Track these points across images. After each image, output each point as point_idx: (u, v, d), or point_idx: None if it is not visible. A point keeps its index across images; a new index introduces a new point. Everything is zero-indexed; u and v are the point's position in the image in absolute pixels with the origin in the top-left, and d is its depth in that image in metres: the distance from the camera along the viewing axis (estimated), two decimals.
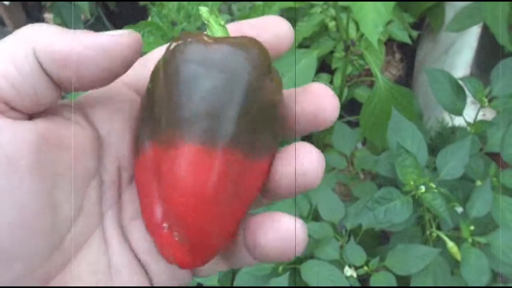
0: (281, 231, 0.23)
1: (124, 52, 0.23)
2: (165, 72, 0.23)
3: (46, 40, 0.22)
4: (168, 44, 0.24)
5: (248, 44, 0.23)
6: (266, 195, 0.26)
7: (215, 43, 0.23)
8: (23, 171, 0.21)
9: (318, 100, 0.24)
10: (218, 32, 0.25)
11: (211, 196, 0.22)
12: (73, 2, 1.41)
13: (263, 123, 0.23)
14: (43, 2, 1.55)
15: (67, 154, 0.24)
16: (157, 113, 0.23)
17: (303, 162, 0.24)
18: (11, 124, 0.22)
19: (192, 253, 0.23)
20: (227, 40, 0.23)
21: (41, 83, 0.22)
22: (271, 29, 0.26)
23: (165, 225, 0.23)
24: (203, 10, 0.26)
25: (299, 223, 0.23)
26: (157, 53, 0.27)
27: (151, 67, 0.25)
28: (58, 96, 0.24)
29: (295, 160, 0.24)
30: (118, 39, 0.23)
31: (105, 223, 0.26)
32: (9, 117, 0.22)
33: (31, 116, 0.23)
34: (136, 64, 0.26)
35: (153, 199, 0.24)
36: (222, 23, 0.26)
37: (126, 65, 0.24)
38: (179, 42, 0.23)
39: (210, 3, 0.86)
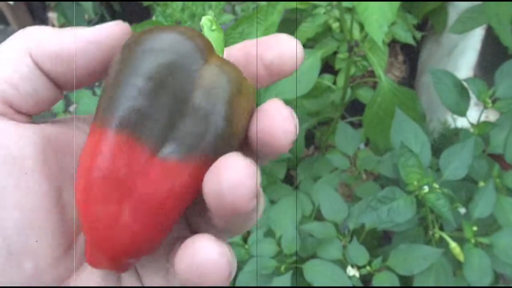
0: (195, 257, 0.20)
1: (115, 41, 0.23)
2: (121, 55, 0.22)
3: (39, 39, 0.23)
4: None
5: (188, 32, 0.22)
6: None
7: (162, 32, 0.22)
8: (29, 171, 0.22)
9: (273, 121, 0.21)
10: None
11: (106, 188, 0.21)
12: (77, 2, 1.42)
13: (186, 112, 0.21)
14: (47, 2, 1.55)
15: (71, 157, 0.24)
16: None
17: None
18: (16, 126, 0.22)
19: (95, 251, 0.22)
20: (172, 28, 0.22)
21: (40, 82, 0.23)
22: (276, 48, 0.24)
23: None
24: (204, 21, 0.25)
25: (218, 248, 0.20)
26: None
27: None
28: (59, 95, 0.24)
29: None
30: (108, 29, 0.23)
31: None
32: (14, 119, 0.22)
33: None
34: None
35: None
36: (220, 36, 0.24)
37: (114, 50, 0.24)
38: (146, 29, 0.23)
39: (214, 3, 0.86)
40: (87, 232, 0.21)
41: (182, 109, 0.21)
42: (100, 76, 0.24)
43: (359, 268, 0.71)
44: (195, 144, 0.21)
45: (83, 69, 0.23)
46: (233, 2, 1.11)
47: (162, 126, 0.21)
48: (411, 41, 1.04)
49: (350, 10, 0.83)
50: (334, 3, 0.94)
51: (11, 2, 1.51)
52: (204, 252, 0.20)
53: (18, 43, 0.23)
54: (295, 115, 0.22)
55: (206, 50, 0.22)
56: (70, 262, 0.24)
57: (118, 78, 0.21)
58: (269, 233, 0.76)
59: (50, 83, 0.23)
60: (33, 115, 0.24)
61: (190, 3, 0.85)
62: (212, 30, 0.24)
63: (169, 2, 0.87)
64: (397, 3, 0.61)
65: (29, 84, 0.23)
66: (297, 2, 0.93)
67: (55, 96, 0.24)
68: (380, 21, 0.60)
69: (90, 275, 0.24)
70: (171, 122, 0.21)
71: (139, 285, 0.25)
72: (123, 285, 0.25)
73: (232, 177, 0.19)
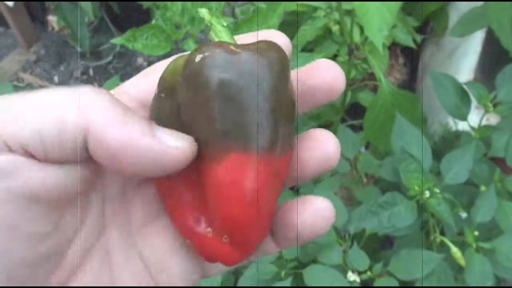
0: (312, 210, 0.25)
1: (173, 165, 0.22)
2: (192, 82, 0.23)
3: (99, 127, 0.21)
4: (190, 53, 0.24)
5: (270, 49, 0.24)
6: (285, 243, 0.27)
7: (240, 51, 0.23)
8: (39, 207, 0.22)
9: (323, 147, 0.26)
10: (222, 34, 0.26)
11: (257, 199, 0.24)
12: (77, 5, 1.41)
13: (286, 120, 0.24)
14: (47, 5, 1.55)
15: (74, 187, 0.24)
16: (187, 124, 0.23)
17: (326, 147, 0.25)
18: (30, 162, 0.21)
19: (240, 251, 0.25)
20: (249, 47, 0.24)
21: (75, 153, 0.22)
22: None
23: (208, 230, 0.25)
24: (203, 12, 0.26)
25: (327, 203, 0.25)
26: (160, 66, 0.27)
27: (155, 79, 0.25)
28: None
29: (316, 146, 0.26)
30: (171, 152, 0.22)
31: (108, 233, 0.27)
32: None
33: None
34: (140, 76, 0.27)
35: (187, 208, 0.25)
36: (225, 24, 0.26)
37: (172, 172, 0.23)
38: (205, 52, 0.23)
39: (214, 5, 0.86)
40: (238, 238, 0.24)
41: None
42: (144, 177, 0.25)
43: (359, 273, 0.70)
44: (290, 139, 0.25)
45: (130, 171, 0.23)
46: (232, 4, 1.11)
47: (280, 133, 0.24)
48: (411, 44, 1.03)
49: (350, 12, 0.83)
50: (334, 6, 0.94)
51: (10, 4, 1.51)
52: (320, 205, 0.25)
53: (81, 116, 0.21)
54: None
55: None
56: (63, 272, 0.24)
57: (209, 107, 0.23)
58: None
59: (88, 156, 0.22)
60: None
61: (189, 6, 0.85)
62: (223, 26, 0.26)
63: (169, 6, 0.86)
64: (397, 7, 0.61)
65: (62, 151, 0.21)
66: (297, 3, 0.93)
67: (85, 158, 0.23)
68: (380, 24, 0.59)
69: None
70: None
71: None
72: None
73: (334, 144, 0.25)
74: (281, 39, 0.27)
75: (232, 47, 0.23)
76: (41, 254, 0.22)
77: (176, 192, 0.25)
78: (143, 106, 0.27)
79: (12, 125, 0.21)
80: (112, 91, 0.26)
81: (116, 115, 0.22)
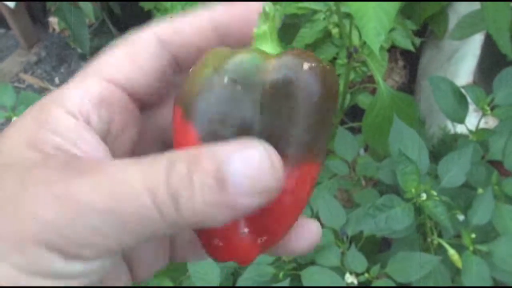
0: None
1: (276, 182, 0.21)
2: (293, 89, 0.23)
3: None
4: (290, 56, 0.23)
5: (323, 69, 0.23)
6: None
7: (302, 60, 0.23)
8: None
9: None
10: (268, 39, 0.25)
11: (298, 205, 0.24)
12: (77, 7, 1.42)
13: (324, 131, 0.24)
14: (48, 6, 1.56)
15: None
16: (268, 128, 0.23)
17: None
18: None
19: (261, 251, 0.25)
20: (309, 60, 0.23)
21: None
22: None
23: (245, 230, 0.24)
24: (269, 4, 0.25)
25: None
26: (144, 47, 0.26)
27: (141, 64, 0.25)
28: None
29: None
30: (268, 170, 0.20)
31: None
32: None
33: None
34: (124, 60, 0.25)
35: None
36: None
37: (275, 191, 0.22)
38: (312, 63, 0.23)
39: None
40: (272, 241, 0.25)
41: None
42: None
43: (357, 275, 0.71)
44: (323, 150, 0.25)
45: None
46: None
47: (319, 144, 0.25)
48: (410, 47, 1.04)
49: (349, 15, 0.83)
50: (334, 9, 0.94)
51: (11, 6, 1.52)
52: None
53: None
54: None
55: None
56: None
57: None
58: None
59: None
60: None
61: (190, 8, 0.85)
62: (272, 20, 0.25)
63: (169, 8, 0.87)
64: (395, 11, 0.61)
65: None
66: (297, 7, 0.93)
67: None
68: (377, 29, 0.60)
69: None
70: None
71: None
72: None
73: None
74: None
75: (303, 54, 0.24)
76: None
77: None
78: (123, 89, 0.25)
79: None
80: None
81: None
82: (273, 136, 0.23)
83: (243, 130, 0.23)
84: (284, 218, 0.24)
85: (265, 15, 0.25)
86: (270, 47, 0.25)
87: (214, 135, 0.22)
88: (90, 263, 0.19)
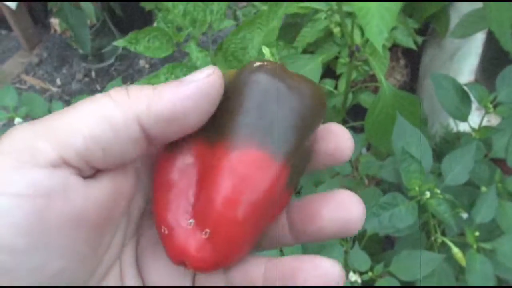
0: (320, 277, 0.24)
1: (217, 90, 0.23)
2: (240, 84, 0.24)
3: (146, 104, 0.22)
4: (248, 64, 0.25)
5: (312, 88, 0.25)
6: (304, 237, 0.26)
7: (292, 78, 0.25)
8: (86, 229, 0.22)
9: (337, 140, 0.26)
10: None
11: (262, 200, 0.23)
12: (79, 8, 1.42)
13: (305, 144, 0.25)
14: (49, 7, 1.56)
15: (119, 206, 0.24)
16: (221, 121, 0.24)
17: (349, 209, 0.24)
18: (83, 184, 0.22)
19: (215, 255, 0.24)
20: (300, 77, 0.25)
21: (134, 146, 0.22)
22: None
23: (190, 221, 0.24)
24: (266, 50, 0.28)
25: (337, 267, 0.24)
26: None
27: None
28: (148, 150, 0.24)
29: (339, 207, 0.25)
30: (210, 80, 0.23)
31: (123, 256, 0.27)
32: (83, 176, 0.22)
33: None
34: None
35: (182, 194, 0.24)
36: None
37: (219, 100, 0.24)
38: (264, 63, 0.24)
39: (215, 8, 0.86)
40: (221, 238, 0.23)
41: None
42: (200, 125, 0.24)
43: (361, 274, 0.71)
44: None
45: (193, 125, 0.23)
46: (233, 7, 1.12)
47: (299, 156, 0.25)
48: (412, 45, 1.04)
49: (350, 14, 0.83)
50: (335, 8, 0.94)
51: (13, 7, 1.52)
52: (355, 209, 0.24)
53: (123, 106, 0.22)
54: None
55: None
56: None
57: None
58: None
59: (147, 144, 0.23)
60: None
61: (191, 8, 0.85)
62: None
63: (171, 8, 0.87)
64: (397, 9, 0.61)
65: (120, 148, 0.22)
66: (298, 6, 0.93)
67: (145, 151, 0.24)
68: (380, 26, 0.60)
69: None
70: None
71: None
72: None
73: (358, 210, 0.24)
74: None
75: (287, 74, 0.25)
76: (77, 277, 0.22)
77: (176, 181, 0.25)
78: None
79: (65, 137, 0.21)
80: None
81: (152, 89, 0.22)
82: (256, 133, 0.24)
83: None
84: (229, 213, 0.23)
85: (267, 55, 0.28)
86: None
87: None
88: None
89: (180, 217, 0.24)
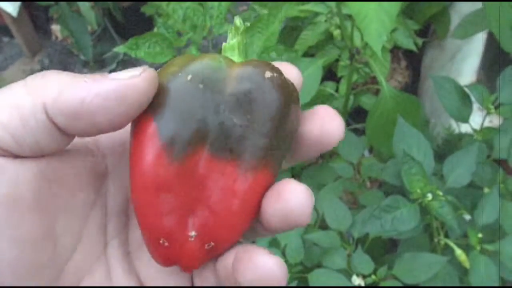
0: (258, 269, 0.22)
1: (138, 94, 0.22)
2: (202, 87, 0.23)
3: (58, 94, 0.21)
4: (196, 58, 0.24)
5: (283, 80, 0.24)
6: (259, 231, 0.26)
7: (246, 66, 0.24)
8: (22, 209, 0.21)
9: (324, 122, 0.24)
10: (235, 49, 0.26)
11: (247, 211, 0.24)
12: (80, 14, 1.42)
13: (281, 142, 0.24)
14: (50, 13, 1.57)
15: (67, 188, 0.24)
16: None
17: (290, 198, 0.23)
18: (12, 163, 0.21)
19: (211, 257, 0.25)
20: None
21: (46, 135, 0.22)
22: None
23: (192, 233, 0.24)
24: (237, 20, 0.26)
25: (275, 260, 0.22)
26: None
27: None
28: (67, 142, 0.23)
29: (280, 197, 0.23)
30: (131, 82, 0.21)
31: (109, 251, 0.26)
32: (9, 156, 0.21)
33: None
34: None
35: (179, 202, 0.24)
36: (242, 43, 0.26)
37: (142, 105, 0.22)
38: (271, 71, 0.24)
39: (215, 12, 0.86)
40: (219, 248, 0.24)
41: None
42: (118, 127, 0.22)
43: (364, 277, 0.70)
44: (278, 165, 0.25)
45: (101, 124, 0.22)
46: (234, 12, 1.12)
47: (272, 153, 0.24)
48: (412, 47, 1.04)
49: (350, 17, 0.83)
50: (335, 10, 0.94)
51: (14, 14, 1.52)
52: (266, 264, 0.22)
53: (32, 93, 0.21)
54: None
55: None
56: None
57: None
58: (274, 243, 0.76)
59: (59, 135, 0.22)
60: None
61: (191, 13, 0.86)
62: (240, 34, 0.26)
63: (170, 13, 0.87)
64: (396, 11, 0.61)
65: (32, 136, 0.21)
66: (298, 9, 0.93)
67: (62, 144, 0.23)
68: (378, 30, 0.60)
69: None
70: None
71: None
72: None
73: (298, 200, 0.23)
74: (293, 71, 0.26)
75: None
76: (35, 262, 0.22)
77: (164, 182, 0.23)
78: None
79: None
80: None
81: (69, 78, 0.22)
82: (230, 139, 0.23)
83: (201, 130, 0.23)
84: (232, 224, 0.24)
85: (235, 29, 0.26)
86: (236, 57, 0.26)
87: (172, 130, 0.22)
88: None
89: (182, 229, 0.24)
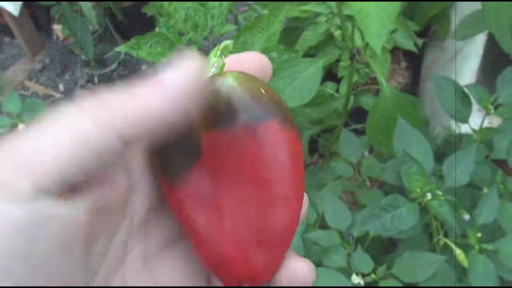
0: (292, 275, 0.24)
1: (197, 92, 0.21)
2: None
3: (122, 113, 0.20)
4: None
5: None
6: None
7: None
8: (75, 253, 0.21)
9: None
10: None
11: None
12: (81, 14, 1.43)
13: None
14: (52, 13, 1.57)
15: (111, 211, 0.23)
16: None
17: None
18: (65, 209, 0.20)
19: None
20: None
21: (111, 155, 0.20)
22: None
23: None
24: (228, 44, 0.27)
25: (308, 264, 0.24)
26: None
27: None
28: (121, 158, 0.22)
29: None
30: (192, 76, 0.21)
31: (128, 263, 0.26)
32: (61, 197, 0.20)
33: None
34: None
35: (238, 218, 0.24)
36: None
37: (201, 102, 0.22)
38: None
39: (216, 12, 0.87)
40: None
41: None
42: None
43: (364, 276, 0.71)
44: None
45: (179, 126, 0.21)
46: (234, 11, 1.12)
47: None
48: (412, 48, 1.04)
49: (351, 18, 0.84)
50: (335, 11, 0.94)
51: (15, 14, 1.53)
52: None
53: (100, 119, 0.20)
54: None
55: None
56: None
57: None
58: None
59: (123, 151, 0.20)
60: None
61: (193, 13, 0.86)
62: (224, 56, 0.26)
63: (172, 13, 0.87)
64: (396, 11, 0.62)
65: (97, 161, 0.20)
66: (299, 10, 0.94)
67: (119, 159, 0.22)
68: (379, 30, 0.60)
69: None
70: None
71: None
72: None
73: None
74: (261, 61, 0.27)
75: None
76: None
77: (208, 198, 0.24)
78: None
79: (39, 166, 0.19)
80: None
81: (126, 96, 0.20)
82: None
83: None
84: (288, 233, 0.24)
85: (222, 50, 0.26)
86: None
87: None
88: None
89: (246, 246, 0.24)
